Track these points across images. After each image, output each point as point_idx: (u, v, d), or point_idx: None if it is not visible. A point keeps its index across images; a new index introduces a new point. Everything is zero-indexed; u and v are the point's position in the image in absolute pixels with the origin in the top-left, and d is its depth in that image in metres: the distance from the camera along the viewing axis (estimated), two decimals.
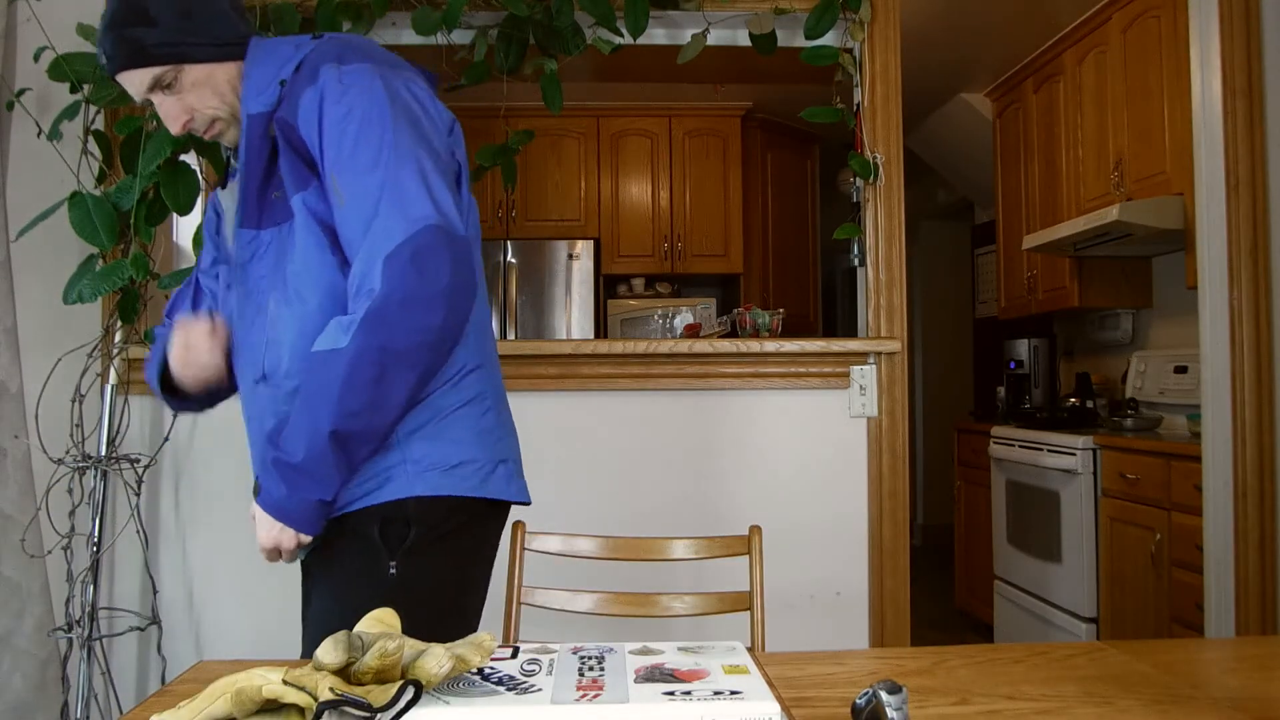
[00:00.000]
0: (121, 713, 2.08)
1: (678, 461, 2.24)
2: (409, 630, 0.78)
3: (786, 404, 2.24)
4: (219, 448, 2.17)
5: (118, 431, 2.05)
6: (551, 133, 4.64)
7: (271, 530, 1.11)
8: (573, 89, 2.35)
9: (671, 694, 0.71)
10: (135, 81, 1.17)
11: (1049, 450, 3.23)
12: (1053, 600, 3.25)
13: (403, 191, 1.07)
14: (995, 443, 3.67)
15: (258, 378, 1.19)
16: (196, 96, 1.19)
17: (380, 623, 0.80)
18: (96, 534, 2.00)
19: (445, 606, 1.19)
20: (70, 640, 2.00)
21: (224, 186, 1.32)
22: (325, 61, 1.13)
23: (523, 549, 1.55)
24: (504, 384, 1.33)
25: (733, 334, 2.78)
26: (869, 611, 2.22)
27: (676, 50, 2.26)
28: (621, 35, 2.19)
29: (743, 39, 2.26)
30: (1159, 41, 3.04)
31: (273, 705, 0.70)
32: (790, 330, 3.36)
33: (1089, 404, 3.64)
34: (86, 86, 1.98)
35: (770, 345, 2.21)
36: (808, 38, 2.22)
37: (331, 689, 0.67)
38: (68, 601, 2.00)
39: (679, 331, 3.27)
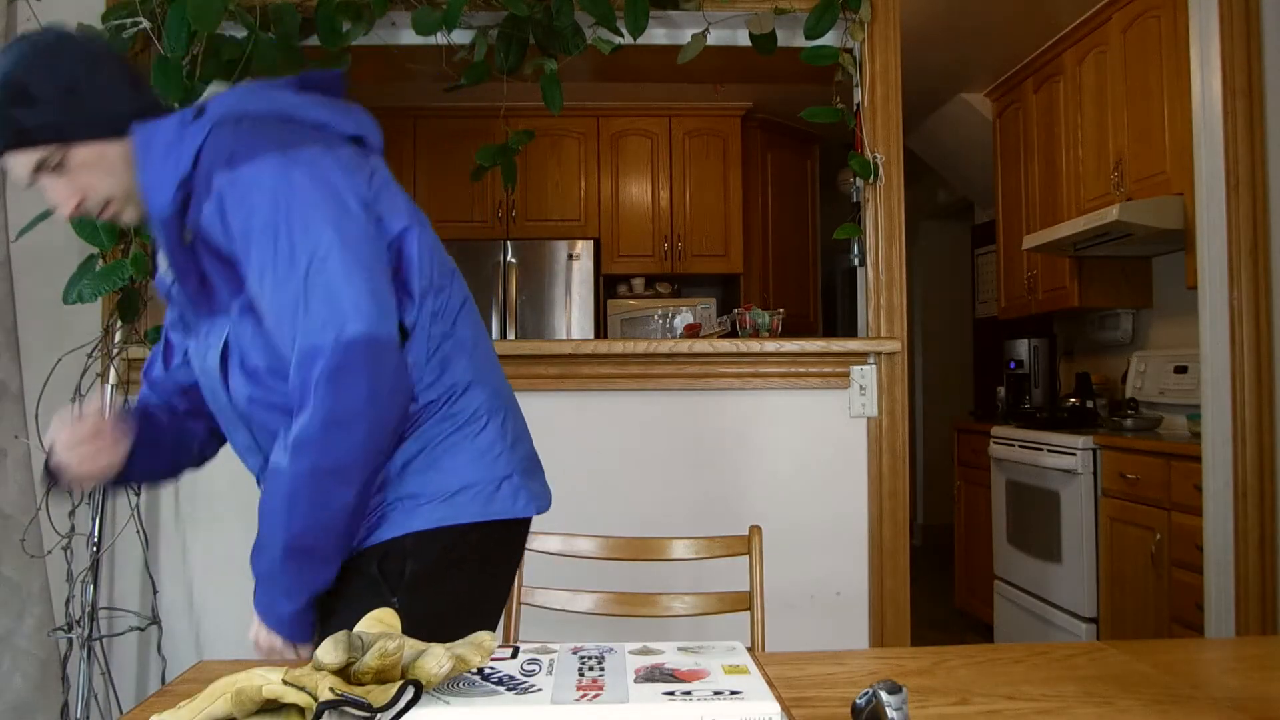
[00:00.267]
0: (121, 713, 2.08)
1: (678, 461, 2.24)
2: None
3: (786, 404, 2.24)
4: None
5: None
6: (551, 133, 4.64)
7: (260, 630, 1.13)
8: (573, 89, 2.35)
9: (671, 694, 0.71)
10: (19, 165, 1.09)
11: (1049, 450, 3.23)
12: (1053, 600, 3.25)
13: (317, 305, 1.03)
14: (995, 443, 3.67)
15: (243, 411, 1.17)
16: (87, 177, 1.11)
17: (380, 623, 0.80)
18: (96, 534, 2.00)
19: (459, 632, 1.18)
20: (70, 640, 2.00)
21: (154, 269, 1.28)
22: (216, 168, 1.06)
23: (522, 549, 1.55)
24: (502, 380, 1.30)
25: (733, 334, 2.78)
26: (869, 611, 2.22)
27: (676, 50, 2.26)
28: (621, 35, 2.19)
29: (743, 39, 2.26)
30: (1159, 41, 3.04)
31: (273, 705, 0.70)
32: (790, 330, 3.36)
33: (1089, 404, 3.64)
34: None
35: (770, 345, 2.21)
36: (808, 38, 2.22)
37: (331, 689, 0.67)
38: (68, 601, 2.00)
39: (679, 331, 3.27)
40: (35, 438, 2.03)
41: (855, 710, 0.73)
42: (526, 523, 1.27)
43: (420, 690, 0.68)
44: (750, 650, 0.93)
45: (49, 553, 2.05)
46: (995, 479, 3.70)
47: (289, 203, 1.04)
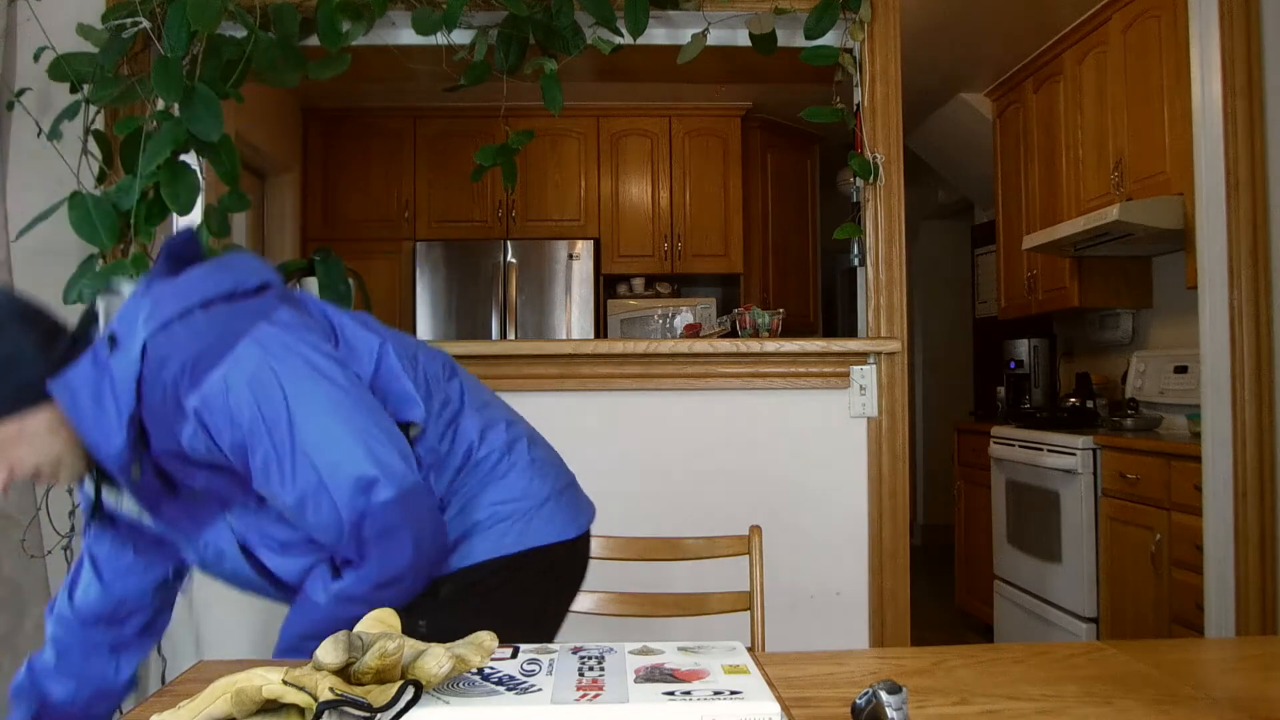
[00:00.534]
0: (122, 713, 2.08)
1: (677, 461, 2.24)
2: None
3: (786, 404, 2.24)
4: None
5: None
6: (551, 133, 4.63)
7: None
8: (573, 89, 2.35)
9: (671, 694, 0.71)
10: None
11: (1049, 450, 3.23)
12: (1053, 600, 3.25)
13: (336, 482, 1.01)
14: (995, 443, 3.67)
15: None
16: (9, 453, 1.04)
17: (380, 623, 0.80)
18: None
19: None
20: None
21: (95, 515, 1.18)
22: (181, 391, 1.01)
23: None
24: (511, 412, 1.30)
25: (733, 334, 2.78)
26: (869, 611, 2.21)
27: (676, 50, 2.26)
28: (621, 35, 2.19)
29: (743, 39, 2.26)
30: (1159, 41, 3.04)
31: (273, 705, 0.70)
32: (790, 330, 3.36)
33: (1089, 404, 3.64)
34: (86, 86, 1.98)
35: (770, 345, 2.21)
36: (808, 38, 2.21)
37: (331, 689, 0.67)
38: None
39: (679, 331, 3.27)
40: None
41: (855, 710, 0.73)
42: (576, 541, 1.28)
43: (420, 690, 0.68)
44: (750, 650, 0.93)
45: (49, 553, 2.05)
46: (995, 479, 3.70)
47: (269, 395, 1.01)
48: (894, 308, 2.26)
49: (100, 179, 2.03)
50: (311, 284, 2.18)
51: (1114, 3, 3.29)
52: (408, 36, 2.23)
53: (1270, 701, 0.90)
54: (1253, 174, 2.31)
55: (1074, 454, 3.07)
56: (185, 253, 1.14)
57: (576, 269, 4.66)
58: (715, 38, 2.27)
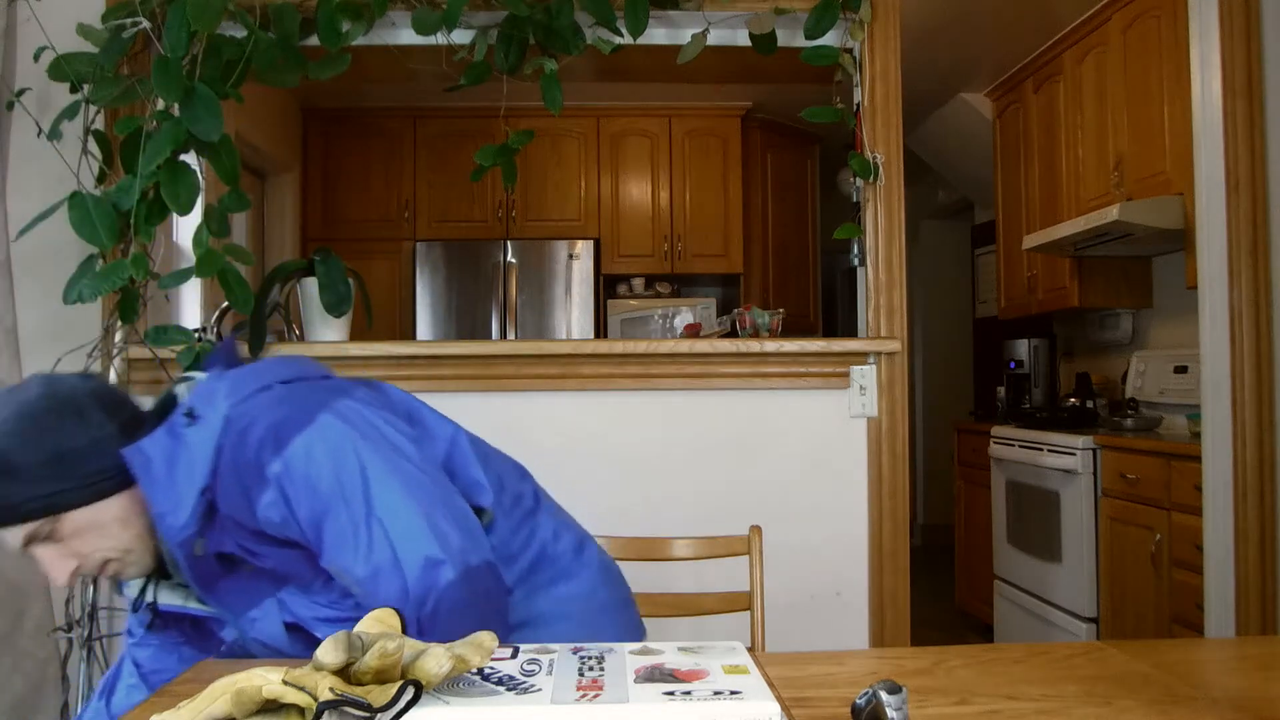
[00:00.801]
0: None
1: (677, 461, 2.24)
2: None
3: (786, 404, 2.24)
4: None
5: None
6: (551, 133, 4.63)
7: None
8: (573, 89, 2.35)
9: (671, 694, 0.71)
10: (9, 539, 1.04)
11: (1049, 450, 3.23)
12: (1053, 600, 3.25)
13: (407, 558, 1.01)
14: (995, 443, 3.67)
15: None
16: (81, 542, 1.05)
17: (380, 623, 0.80)
18: None
19: None
20: (70, 640, 2.00)
21: (138, 608, 1.19)
22: (265, 456, 1.02)
23: None
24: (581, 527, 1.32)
25: (733, 334, 2.78)
26: (869, 611, 2.21)
27: (676, 50, 2.26)
28: (621, 35, 2.18)
29: (743, 39, 2.26)
30: (1159, 41, 3.04)
31: (273, 705, 0.70)
32: (790, 330, 3.36)
33: (1089, 404, 3.64)
34: (86, 86, 1.98)
35: (770, 345, 2.21)
36: (808, 38, 2.21)
37: (331, 689, 0.67)
38: (68, 601, 2.00)
39: (679, 331, 3.27)
40: None
41: (855, 710, 0.73)
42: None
43: (420, 690, 0.68)
44: (750, 650, 0.93)
45: None
46: (995, 479, 3.70)
47: (348, 465, 1.02)
48: (894, 308, 2.26)
49: (100, 179, 2.03)
50: (311, 284, 2.17)
51: (1114, 3, 3.29)
52: (408, 36, 2.23)
53: (1270, 701, 0.90)
54: (1253, 174, 2.31)
55: (1074, 454, 3.07)
56: (229, 354, 1.19)
57: (576, 269, 4.66)
58: (715, 38, 2.27)
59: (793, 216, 5.11)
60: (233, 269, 1.93)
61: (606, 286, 4.90)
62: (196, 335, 2.01)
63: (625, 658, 0.81)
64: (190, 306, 3.29)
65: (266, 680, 0.70)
